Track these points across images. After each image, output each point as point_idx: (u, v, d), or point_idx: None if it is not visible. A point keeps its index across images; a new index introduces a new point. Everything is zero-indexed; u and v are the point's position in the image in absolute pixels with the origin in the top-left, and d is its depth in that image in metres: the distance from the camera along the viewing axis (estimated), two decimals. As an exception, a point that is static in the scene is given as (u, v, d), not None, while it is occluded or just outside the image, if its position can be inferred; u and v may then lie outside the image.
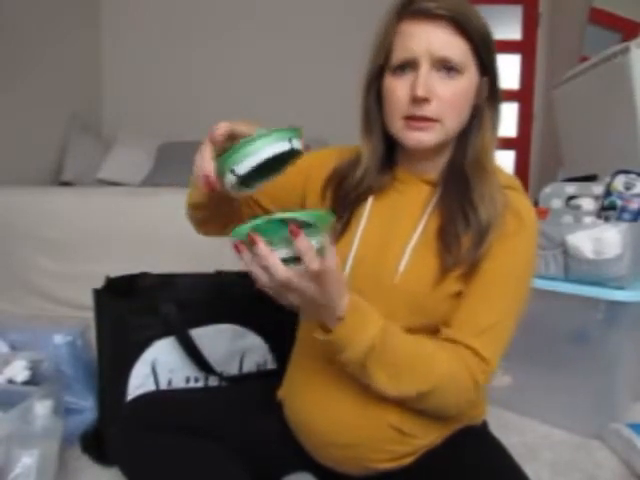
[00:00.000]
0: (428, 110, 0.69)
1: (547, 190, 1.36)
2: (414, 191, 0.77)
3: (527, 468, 0.73)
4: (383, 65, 0.73)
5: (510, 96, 3.25)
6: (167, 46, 3.25)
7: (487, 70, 0.73)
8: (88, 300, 1.05)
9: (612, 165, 1.33)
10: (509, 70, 3.24)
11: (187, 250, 1.95)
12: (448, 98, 0.69)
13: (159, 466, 0.71)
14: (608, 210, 1.23)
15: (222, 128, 0.65)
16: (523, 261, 0.72)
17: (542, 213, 1.31)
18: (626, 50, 1.56)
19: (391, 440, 0.72)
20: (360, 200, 0.78)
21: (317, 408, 0.74)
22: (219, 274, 1.21)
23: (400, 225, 0.75)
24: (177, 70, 3.26)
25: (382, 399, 0.70)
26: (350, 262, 0.75)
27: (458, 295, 0.71)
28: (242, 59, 3.24)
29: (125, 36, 3.29)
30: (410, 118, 0.70)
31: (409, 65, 0.70)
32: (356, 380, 0.70)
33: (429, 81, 0.68)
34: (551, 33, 3.12)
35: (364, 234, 0.76)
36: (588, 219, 1.24)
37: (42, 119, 2.77)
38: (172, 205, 2.04)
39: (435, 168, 0.77)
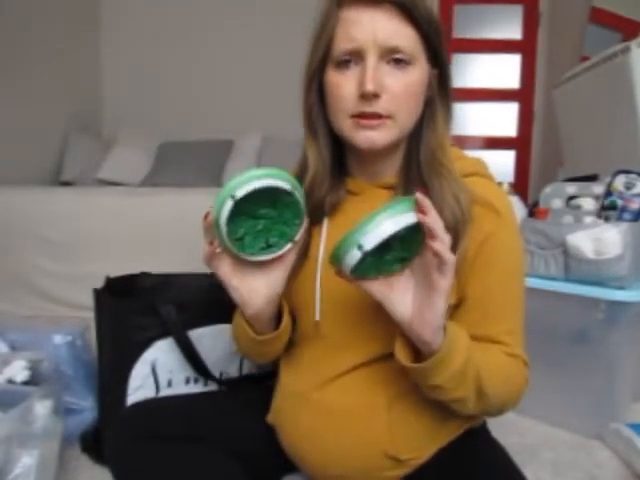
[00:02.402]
0: (379, 106, 0.63)
1: (547, 190, 1.36)
2: (372, 201, 0.70)
3: (527, 468, 0.73)
4: (324, 58, 0.66)
5: (510, 96, 3.26)
6: (167, 46, 3.26)
7: (437, 61, 0.68)
8: (88, 300, 1.05)
9: (612, 165, 1.33)
10: (509, 70, 3.25)
11: (187, 250, 1.95)
12: (400, 92, 0.64)
13: (158, 475, 0.69)
14: (608, 210, 1.23)
15: None
16: (514, 253, 0.71)
17: (542, 213, 1.31)
18: (626, 50, 1.55)
19: (388, 467, 0.70)
20: (315, 218, 0.72)
21: (308, 441, 0.73)
22: (219, 274, 1.21)
23: None
24: (177, 70, 3.27)
25: (374, 429, 0.69)
26: (318, 294, 0.71)
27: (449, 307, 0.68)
28: (242, 59, 3.24)
29: (125, 36, 3.29)
30: (359, 116, 0.64)
31: (354, 57, 0.64)
32: (346, 411, 0.69)
33: (378, 74, 0.62)
34: (551, 33, 3.12)
35: (325, 263, 0.70)
36: (588, 219, 1.23)
37: (42, 119, 2.78)
38: (172, 205, 2.05)
39: (391, 169, 0.72)
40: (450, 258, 0.53)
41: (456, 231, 0.64)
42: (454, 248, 0.64)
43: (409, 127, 0.68)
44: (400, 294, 0.59)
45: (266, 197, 0.59)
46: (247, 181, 0.57)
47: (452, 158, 0.69)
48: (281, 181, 0.59)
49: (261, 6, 3.19)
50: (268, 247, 0.65)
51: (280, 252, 0.66)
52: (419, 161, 0.69)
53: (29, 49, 2.66)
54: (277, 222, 0.64)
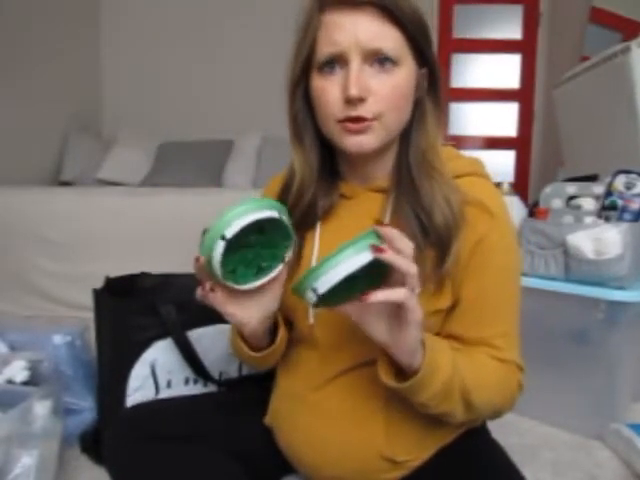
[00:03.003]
0: (364, 109, 0.62)
1: (547, 190, 1.36)
2: (365, 205, 0.71)
3: (527, 468, 0.73)
4: (307, 63, 0.66)
5: (510, 96, 3.26)
6: (167, 46, 3.26)
7: (425, 60, 0.67)
8: (88, 300, 1.05)
9: (613, 165, 1.32)
10: (509, 70, 3.24)
11: (187, 250, 1.95)
12: (385, 94, 0.63)
13: (158, 475, 0.69)
14: (609, 210, 1.23)
15: None
16: (509, 254, 0.70)
17: (542, 213, 1.31)
18: (626, 50, 1.55)
19: (385, 469, 0.70)
20: (308, 223, 0.73)
21: (305, 442, 0.73)
22: (219, 274, 1.21)
23: None
24: (177, 70, 3.27)
25: (370, 431, 0.69)
26: None
27: (439, 311, 0.68)
28: (242, 59, 3.24)
29: (125, 36, 3.29)
30: (346, 120, 0.63)
31: (337, 61, 0.63)
32: (342, 413, 0.69)
33: (362, 77, 0.61)
34: (551, 33, 3.12)
35: None
36: (589, 219, 1.23)
37: (42, 119, 2.78)
38: (172, 205, 2.05)
39: (382, 171, 0.71)
40: (408, 298, 0.52)
41: (448, 232, 0.64)
42: (446, 250, 0.64)
43: (397, 128, 0.67)
44: (374, 317, 0.58)
45: (254, 226, 0.59)
46: (234, 219, 0.56)
47: (444, 159, 0.69)
48: (267, 210, 0.59)
49: (261, 6, 3.19)
50: (260, 271, 0.65)
51: (273, 275, 0.65)
52: (409, 163, 0.68)
53: (29, 49, 2.66)
54: (266, 246, 0.63)
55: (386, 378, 0.61)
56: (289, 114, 0.71)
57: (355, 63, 0.62)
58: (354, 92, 0.61)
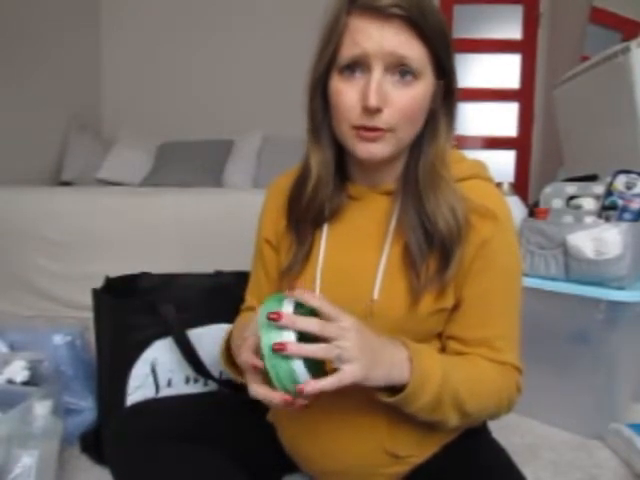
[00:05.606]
0: (380, 120, 0.63)
1: (548, 190, 1.36)
2: (372, 207, 0.73)
3: (527, 468, 0.73)
4: (330, 64, 0.65)
5: (510, 96, 3.25)
6: (167, 46, 3.25)
7: (444, 73, 0.67)
8: (88, 300, 1.05)
9: (612, 165, 1.32)
10: (509, 70, 3.24)
11: (187, 250, 1.95)
12: (402, 107, 0.63)
13: (158, 475, 0.69)
14: (609, 210, 1.23)
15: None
16: (511, 258, 0.71)
17: (542, 213, 1.31)
18: (626, 50, 1.55)
19: (387, 464, 0.71)
20: (318, 223, 0.74)
21: (306, 438, 0.73)
22: (219, 274, 1.21)
23: (365, 248, 0.71)
24: (177, 70, 3.26)
25: (373, 425, 0.69)
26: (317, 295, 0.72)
27: (442, 310, 0.69)
28: (242, 58, 3.24)
29: (125, 36, 3.29)
30: (361, 127, 0.64)
31: (359, 65, 0.63)
32: (343, 407, 0.70)
33: (382, 87, 0.61)
34: (551, 33, 3.12)
35: (324, 266, 0.72)
36: (589, 219, 1.23)
37: (42, 119, 2.78)
38: (172, 205, 2.05)
39: (392, 175, 0.72)
40: (338, 360, 0.55)
41: (451, 240, 0.65)
42: (449, 256, 0.66)
43: (409, 140, 0.68)
44: None
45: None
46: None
47: (451, 165, 0.69)
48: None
49: (261, 6, 3.18)
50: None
51: None
52: (417, 172, 0.69)
53: (29, 49, 2.66)
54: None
55: (376, 391, 0.62)
56: (308, 113, 0.71)
57: (377, 72, 0.61)
58: (373, 102, 0.61)
